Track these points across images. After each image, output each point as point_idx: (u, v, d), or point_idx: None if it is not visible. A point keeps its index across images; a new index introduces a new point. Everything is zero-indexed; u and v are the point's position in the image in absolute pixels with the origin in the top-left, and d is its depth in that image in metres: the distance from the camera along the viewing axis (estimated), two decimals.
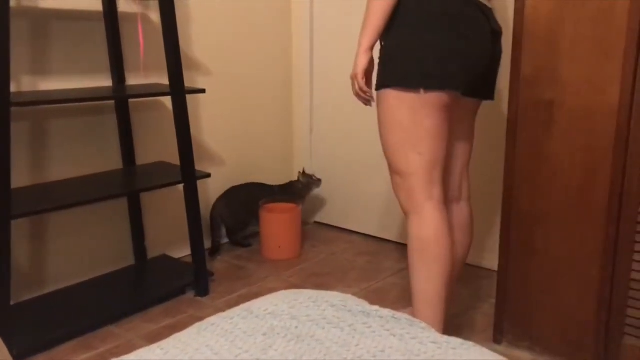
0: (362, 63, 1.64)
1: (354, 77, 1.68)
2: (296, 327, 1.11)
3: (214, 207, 2.79)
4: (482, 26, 1.62)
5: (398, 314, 1.18)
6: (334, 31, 2.92)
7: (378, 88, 1.67)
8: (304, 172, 2.99)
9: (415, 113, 1.62)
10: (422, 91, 1.59)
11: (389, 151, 1.71)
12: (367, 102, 1.71)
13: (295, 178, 3.02)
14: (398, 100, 1.62)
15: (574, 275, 1.75)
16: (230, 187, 2.83)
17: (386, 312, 1.18)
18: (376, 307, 1.20)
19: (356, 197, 3.00)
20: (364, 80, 1.67)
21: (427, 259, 1.67)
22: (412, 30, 1.59)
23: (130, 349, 1.91)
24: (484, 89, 1.77)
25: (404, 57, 1.60)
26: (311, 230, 3.11)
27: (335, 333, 1.10)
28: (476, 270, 2.57)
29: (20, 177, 2.12)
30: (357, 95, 1.70)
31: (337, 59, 2.93)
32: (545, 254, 1.80)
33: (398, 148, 1.67)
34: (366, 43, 1.62)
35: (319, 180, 2.99)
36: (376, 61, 1.68)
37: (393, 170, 1.73)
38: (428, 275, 1.68)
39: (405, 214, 1.72)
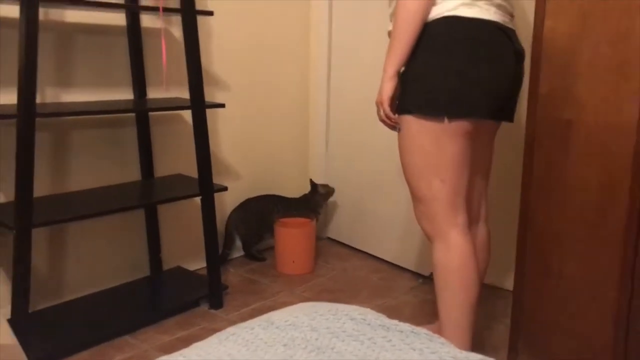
0: (388, 90, 1.61)
1: (379, 104, 1.65)
2: (316, 339, 1.12)
3: (229, 218, 2.80)
4: (506, 49, 1.61)
5: (417, 329, 1.18)
6: (351, 48, 2.95)
7: (400, 113, 1.64)
8: (312, 182, 2.99)
9: (438, 140, 1.59)
10: (445, 120, 1.57)
11: (411, 177, 1.68)
12: (392, 128, 1.69)
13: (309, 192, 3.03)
14: (420, 127, 1.60)
15: (591, 296, 1.74)
16: (246, 198, 2.85)
17: (405, 326, 1.18)
18: (395, 322, 1.20)
19: (370, 217, 2.97)
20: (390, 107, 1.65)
21: (453, 286, 1.65)
22: (435, 55, 1.56)
23: (145, 359, 1.92)
24: (504, 110, 1.74)
25: (426, 83, 1.57)
26: (324, 246, 3.11)
27: (355, 346, 1.10)
28: (492, 290, 2.56)
29: (41, 187, 2.15)
30: (383, 121, 1.69)
31: (355, 74, 2.95)
32: (561, 275, 1.79)
33: (420, 174, 1.65)
34: (391, 70, 1.60)
35: (333, 188, 3.02)
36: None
37: (415, 197, 1.70)
38: (454, 302, 1.66)
39: (430, 240, 1.70)
